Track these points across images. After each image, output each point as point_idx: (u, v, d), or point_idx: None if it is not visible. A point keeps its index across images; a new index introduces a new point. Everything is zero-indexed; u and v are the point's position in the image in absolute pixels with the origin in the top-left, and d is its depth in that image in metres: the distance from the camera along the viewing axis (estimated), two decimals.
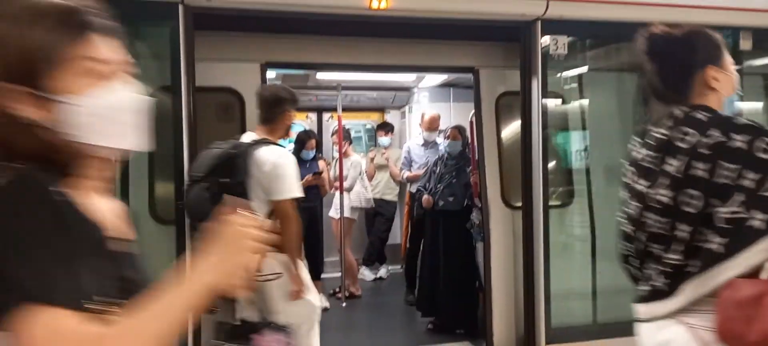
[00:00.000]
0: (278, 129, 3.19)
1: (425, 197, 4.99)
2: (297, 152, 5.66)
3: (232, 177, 2.92)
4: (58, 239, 0.83)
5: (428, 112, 5.99)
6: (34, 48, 0.89)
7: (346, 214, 6.01)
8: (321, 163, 5.85)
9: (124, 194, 3.53)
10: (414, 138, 6.49)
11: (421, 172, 5.64)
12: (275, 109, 3.16)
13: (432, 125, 5.77)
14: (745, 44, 4.47)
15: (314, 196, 5.72)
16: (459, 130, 5.10)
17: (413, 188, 5.94)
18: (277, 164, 3.00)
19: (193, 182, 3.04)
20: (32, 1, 0.91)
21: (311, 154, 5.65)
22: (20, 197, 0.83)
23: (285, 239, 3.01)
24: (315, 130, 7.65)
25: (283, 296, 3.01)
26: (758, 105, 5.05)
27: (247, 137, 3.16)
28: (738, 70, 4.93)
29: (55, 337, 0.78)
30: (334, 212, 6.14)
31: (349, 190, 6.12)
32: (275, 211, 3.01)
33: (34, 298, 0.78)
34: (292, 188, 3.03)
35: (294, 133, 5.82)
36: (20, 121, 0.88)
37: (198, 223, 3.02)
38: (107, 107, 0.95)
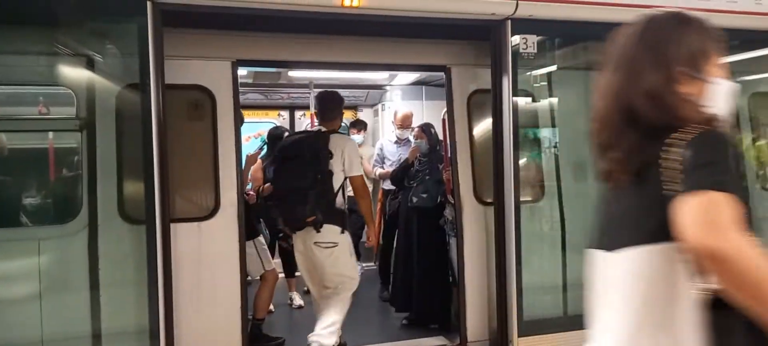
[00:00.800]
0: (336, 123, 4.09)
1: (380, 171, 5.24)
2: (270, 149, 5.63)
3: (324, 154, 3.78)
4: (735, 165, 1.27)
5: (401, 110, 6.02)
6: (702, 47, 1.41)
7: None
8: None
9: (92, 194, 3.47)
10: (387, 135, 6.52)
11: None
12: (335, 110, 4.10)
13: (405, 122, 5.80)
14: None
15: None
16: (423, 129, 5.11)
17: (386, 185, 5.95)
18: (353, 148, 3.98)
19: (286, 158, 3.84)
20: (706, 22, 1.46)
21: None
22: (717, 140, 1.27)
23: (362, 205, 4.16)
24: (287, 128, 7.60)
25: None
26: None
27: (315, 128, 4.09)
28: None
29: (717, 206, 1.16)
30: None
31: None
32: (352, 184, 3.99)
33: (716, 186, 1.18)
34: (360, 167, 4.00)
35: (264, 132, 5.79)
36: (686, 96, 1.35)
37: (283, 193, 3.81)
38: (727, 88, 1.42)
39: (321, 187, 3.73)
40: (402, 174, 5.16)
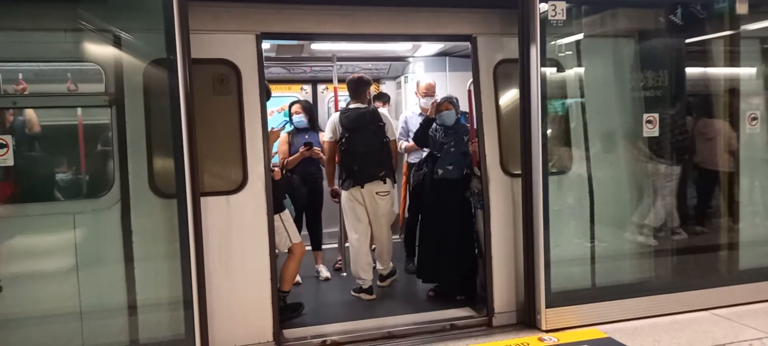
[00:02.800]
0: (365, 99, 5.18)
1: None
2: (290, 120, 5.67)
3: (381, 125, 5.02)
4: None
5: (424, 80, 5.95)
6: None
7: None
8: (321, 135, 5.83)
9: (123, 169, 3.53)
10: (411, 108, 6.47)
11: None
12: (362, 89, 5.14)
13: (428, 91, 5.73)
14: (742, 8, 4.46)
15: (316, 168, 5.73)
16: (451, 101, 5.06)
17: (411, 158, 5.92)
18: (391, 119, 5.23)
19: (353, 130, 4.94)
20: None
21: (302, 121, 5.63)
22: None
23: (394, 163, 5.24)
24: (310, 101, 7.60)
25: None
26: (753, 70, 5.07)
27: (353, 105, 5.14)
28: (734, 34, 4.98)
29: None
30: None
31: None
32: (390, 145, 5.14)
33: None
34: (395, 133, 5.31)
35: (285, 106, 5.81)
36: None
37: (361, 156, 4.92)
38: None
39: (385, 150, 5.03)
40: (424, 131, 5.14)
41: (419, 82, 5.98)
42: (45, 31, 3.60)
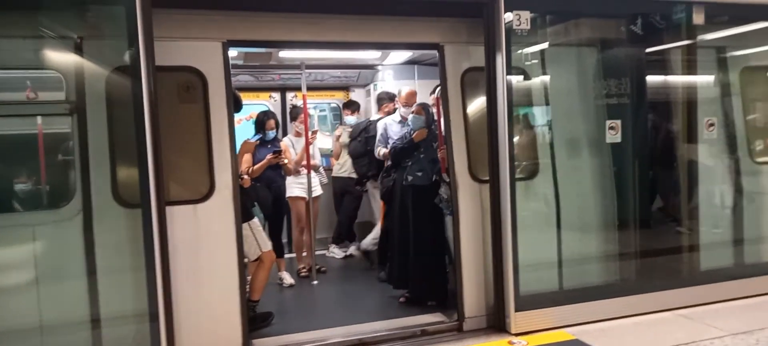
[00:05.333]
0: (383, 112, 6.29)
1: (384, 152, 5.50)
2: (257, 133, 5.60)
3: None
4: None
5: (405, 89, 5.93)
6: None
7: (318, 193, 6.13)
8: (281, 144, 5.80)
9: (85, 178, 3.44)
10: (390, 116, 6.45)
11: None
12: (381, 102, 6.32)
13: (409, 100, 5.71)
14: (698, 19, 4.64)
15: (278, 175, 5.72)
16: (423, 106, 5.12)
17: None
18: None
19: (354, 138, 6.38)
20: None
21: (272, 134, 5.61)
22: None
23: None
24: (279, 109, 7.55)
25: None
26: (710, 78, 5.26)
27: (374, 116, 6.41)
28: (691, 45, 5.16)
29: None
30: (302, 192, 6.09)
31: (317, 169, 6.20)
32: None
33: None
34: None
35: (254, 115, 5.77)
36: None
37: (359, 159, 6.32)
38: None
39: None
40: (402, 154, 5.11)
41: (401, 90, 5.95)
42: (3, 38, 3.50)
